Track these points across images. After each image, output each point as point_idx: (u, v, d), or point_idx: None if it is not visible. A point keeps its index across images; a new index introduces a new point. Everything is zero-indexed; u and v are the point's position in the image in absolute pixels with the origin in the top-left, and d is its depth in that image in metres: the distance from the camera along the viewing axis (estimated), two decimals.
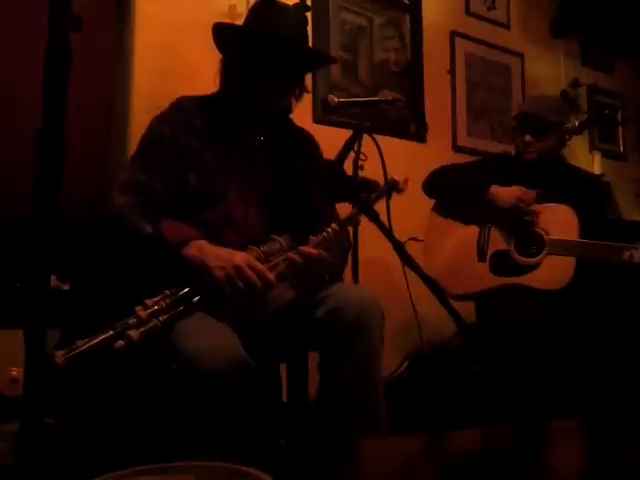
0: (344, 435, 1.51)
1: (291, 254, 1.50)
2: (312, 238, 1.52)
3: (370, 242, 2.03)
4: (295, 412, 1.85)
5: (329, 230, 1.52)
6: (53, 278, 1.89)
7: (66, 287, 1.94)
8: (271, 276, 1.45)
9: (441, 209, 2.52)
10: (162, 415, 1.43)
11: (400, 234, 1.53)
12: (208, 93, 1.76)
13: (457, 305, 1.51)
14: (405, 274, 1.55)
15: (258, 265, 1.44)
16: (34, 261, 0.85)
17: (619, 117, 4.45)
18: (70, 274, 1.95)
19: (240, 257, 1.44)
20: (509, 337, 2.08)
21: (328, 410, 1.55)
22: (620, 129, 4.44)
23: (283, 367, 1.87)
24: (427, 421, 2.41)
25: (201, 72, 1.87)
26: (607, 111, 4.30)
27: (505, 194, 2.32)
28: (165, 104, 1.70)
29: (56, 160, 0.86)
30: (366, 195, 1.55)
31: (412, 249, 1.63)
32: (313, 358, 1.69)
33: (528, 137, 2.41)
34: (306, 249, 1.49)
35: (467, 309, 2.31)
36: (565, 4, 4.01)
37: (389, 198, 1.57)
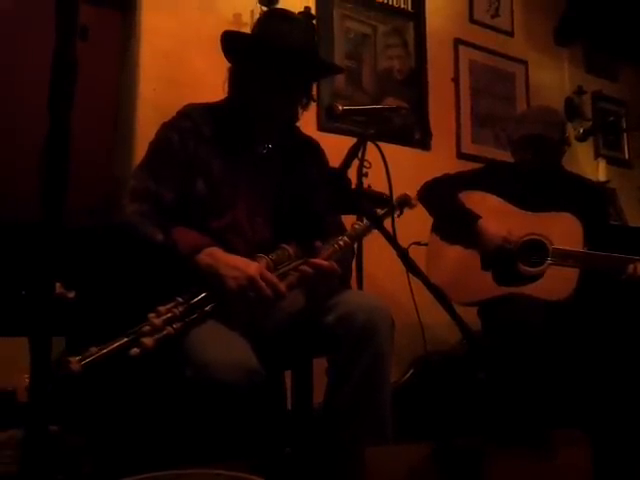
0: (350, 441, 1.50)
1: (303, 266, 1.49)
2: (321, 245, 1.52)
3: (375, 250, 2.03)
4: (300, 420, 1.85)
5: (340, 242, 1.53)
6: (58, 286, 1.89)
7: (71, 295, 1.94)
8: (282, 287, 1.44)
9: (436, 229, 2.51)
10: (170, 422, 1.43)
11: (403, 239, 1.53)
12: (215, 101, 1.77)
13: (461, 312, 1.50)
14: (410, 282, 1.54)
15: (271, 277, 1.43)
16: (39, 269, 0.85)
17: (624, 124, 4.44)
18: (76, 282, 1.96)
19: (254, 268, 1.43)
20: (512, 344, 2.07)
21: (335, 415, 1.54)
22: (625, 136, 4.44)
23: (287, 375, 1.87)
24: (433, 429, 2.40)
25: (206, 81, 1.88)
26: (612, 118, 4.30)
27: (492, 233, 2.30)
28: (170, 113, 1.71)
29: (62, 167, 0.86)
30: (377, 210, 1.56)
31: (415, 253, 1.63)
32: (319, 366, 1.69)
33: (531, 154, 2.41)
34: (318, 261, 1.49)
35: (471, 317, 2.30)
36: (569, 11, 4.02)
37: (401, 214, 1.59)
